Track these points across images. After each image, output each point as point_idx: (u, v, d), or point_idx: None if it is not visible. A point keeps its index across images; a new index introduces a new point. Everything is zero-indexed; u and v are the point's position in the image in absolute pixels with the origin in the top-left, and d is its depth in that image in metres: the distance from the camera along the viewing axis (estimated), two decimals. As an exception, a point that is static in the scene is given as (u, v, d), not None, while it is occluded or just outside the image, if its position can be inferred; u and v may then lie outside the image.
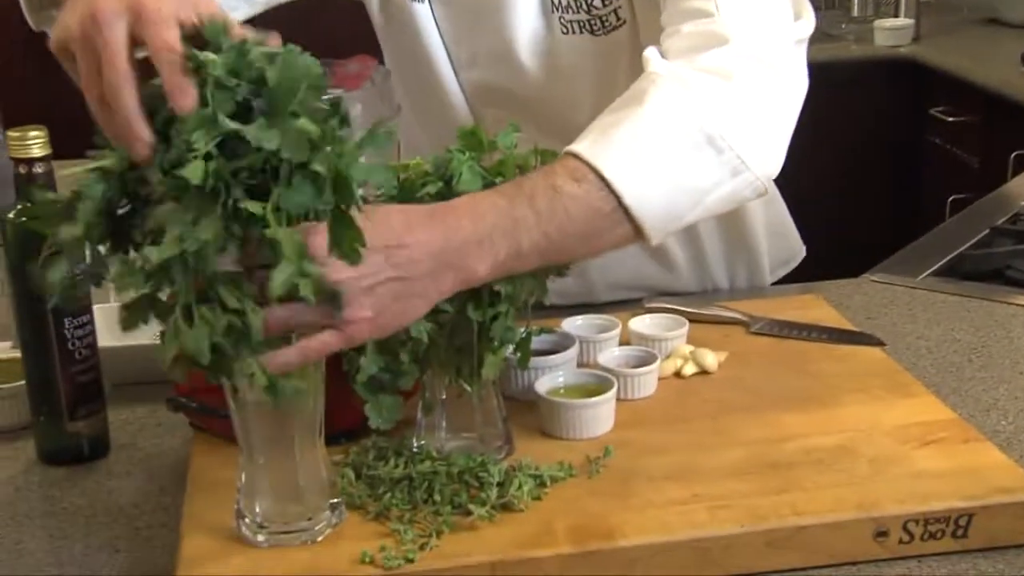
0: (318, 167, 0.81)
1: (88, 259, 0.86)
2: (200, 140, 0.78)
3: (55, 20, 0.87)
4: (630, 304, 1.41)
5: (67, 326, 1.13)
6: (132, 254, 0.85)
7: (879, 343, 1.26)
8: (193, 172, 0.78)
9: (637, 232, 1.02)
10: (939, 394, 1.16)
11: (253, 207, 0.81)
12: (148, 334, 1.35)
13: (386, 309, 0.91)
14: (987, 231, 1.68)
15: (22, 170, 1.09)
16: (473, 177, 0.97)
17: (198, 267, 0.81)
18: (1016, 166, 2.60)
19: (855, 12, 3.48)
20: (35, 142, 1.08)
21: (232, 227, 0.82)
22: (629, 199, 1.00)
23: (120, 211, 0.85)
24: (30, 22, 1.21)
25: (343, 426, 1.07)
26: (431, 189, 0.97)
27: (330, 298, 0.85)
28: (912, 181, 3.18)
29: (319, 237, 0.85)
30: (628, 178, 1.00)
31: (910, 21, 3.18)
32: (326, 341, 0.89)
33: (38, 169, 1.09)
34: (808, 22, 1.18)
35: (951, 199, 2.92)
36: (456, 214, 0.95)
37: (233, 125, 0.79)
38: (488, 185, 0.98)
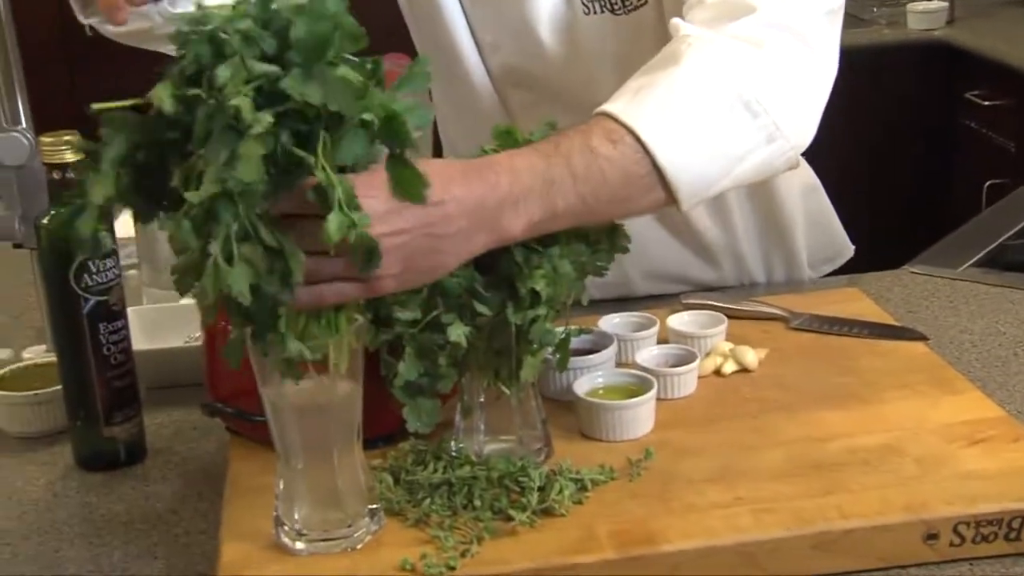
0: (367, 116, 0.80)
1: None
2: (232, 85, 0.76)
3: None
4: (666, 299, 1.39)
5: (102, 331, 1.12)
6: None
7: (922, 338, 1.24)
8: (243, 104, 0.76)
9: (669, 197, 1.01)
10: (985, 390, 1.14)
11: (302, 153, 0.79)
12: (181, 337, 1.37)
13: (413, 266, 0.89)
14: (1028, 219, 1.65)
15: (56, 176, 1.09)
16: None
17: (245, 206, 0.79)
18: (1054, 151, 2.57)
19: (887, -5, 3.44)
20: (68, 147, 1.08)
21: (278, 173, 0.80)
22: (664, 162, 0.99)
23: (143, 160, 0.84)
24: (77, 13, 1.21)
25: (380, 430, 1.06)
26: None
27: (367, 254, 0.84)
28: (947, 166, 3.14)
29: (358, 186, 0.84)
30: (664, 141, 0.99)
31: (944, 4, 3.14)
32: (344, 290, 0.87)
33: (72, 174, 1.08)
34: None
35: (987, 184, 2.89)
36: (494, 171, 0.93)
37: (264, 67, 0.77)
38: None
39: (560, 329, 1.03)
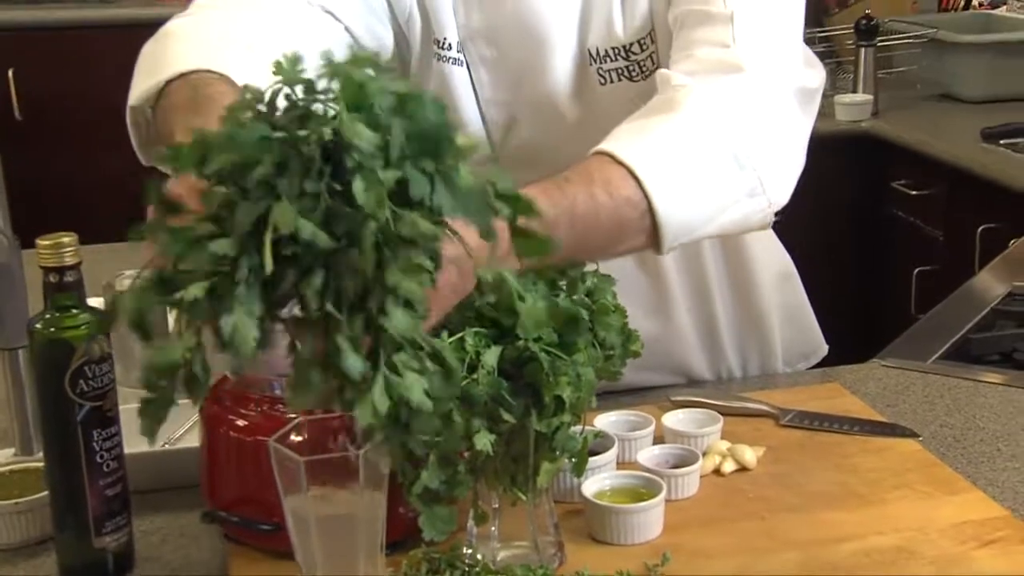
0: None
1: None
2: (370, 201, 0.73)
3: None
4: (651, 394, 1.40)
5: (95, 438, 1.08)
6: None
7: (913, 435, 1.26)
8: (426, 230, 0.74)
9: (651, 240, 1.06)
10: (976, 486, 1.16)
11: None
12: (161, 439, 1.33)
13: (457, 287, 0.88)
14: (987, 311, 1.70)
15: (52, 279, 1.06)
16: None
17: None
18: (984, 241, 2.65)
19: (813, 87, 3.54)
20: (67, 250, 1.05)
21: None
22: (659, 207, 1.03)
23: None
24: (140, 156, 1.19)
25: (391, 537, 1.03)
26: (491, 299, 0.95)
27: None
28: (877, 254, 3.22)
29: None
30: (661, 186, 1.03)
31: (869, 96, 3.24)
32: None
33: (69, 278, 1.06)
34: (817, 74, 1.21)
35: (917, 271, 2.97)
36: None
37: (390, 174, 0.74)
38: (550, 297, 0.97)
39: (577, 430, 1.02)
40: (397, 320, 0.74)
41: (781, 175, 1.14)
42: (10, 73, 3.40)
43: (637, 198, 1.03)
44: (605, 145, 1.06)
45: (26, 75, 3.42)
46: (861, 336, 2.18)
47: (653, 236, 1.05)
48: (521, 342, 0.94)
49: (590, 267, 1.02)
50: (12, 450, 1.34)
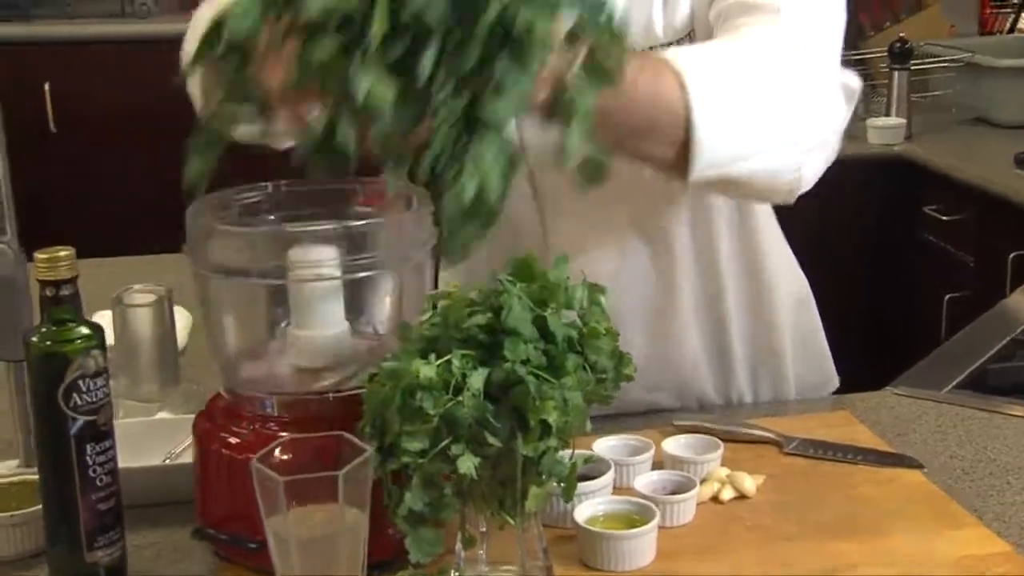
0: None
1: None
2: None
3: None
4: (657, 417, 1.38)
5: (88, 452, 1.08)
6: None
7: (918, 466, 1.23)
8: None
9: (683, 159, 1.04)
10: (983, 519, 1.14)
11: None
12: (159, 452, 1.33)
13: None
14: (1007, 341, 1.66)
15: (49, 292, 1.06)
16: (523, 310, 0.94)
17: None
18: (1015, 267, 2.61)
19: (846, 110, 3.51)
20: (64, 264, 1.05)
21: None
22: (698, 121, 1.02)
23: None
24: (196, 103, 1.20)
25: (375, 558, 1.03)
26: (480, 320, 0.94)
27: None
28: (907, 279, 3.18)
29: None
30: (707, 102, 1.02)
31: (902, 120, 3.21)
32: None
33: (65, 291, 1.06)
34: (853, 78, 1.19)
35: (947, 297, 2.93)
36: None
37: None
38: (538, 318, 0.95)
39: (567, 453, 1.01)
40: (497, 106, 0.80)
41: (818, 149, 1.12)
42: (46, 87, 3.44)
43: (679, 107, 1.02)
44: (666, 52, 1.07)
45: (61, 88, 3.46)
46: (890, 362, 2.15)
47: (683, 155, 1.04)
48: (508, 364, 0.93)
49: (578, 278, 1.00)
50: (16, 462, 1.34)
